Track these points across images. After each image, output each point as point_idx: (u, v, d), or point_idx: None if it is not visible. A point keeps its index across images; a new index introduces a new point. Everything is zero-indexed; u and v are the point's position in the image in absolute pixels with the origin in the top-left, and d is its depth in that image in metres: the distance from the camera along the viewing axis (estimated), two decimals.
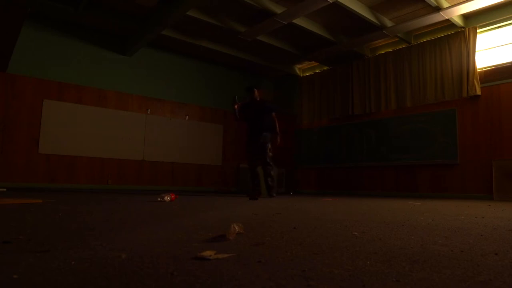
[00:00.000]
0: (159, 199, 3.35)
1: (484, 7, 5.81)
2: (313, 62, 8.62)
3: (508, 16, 5.96)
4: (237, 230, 1.28)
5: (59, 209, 2.22)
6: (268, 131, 5.14)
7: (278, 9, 6.09)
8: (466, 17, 6.37)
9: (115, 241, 1.13)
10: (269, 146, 5.09)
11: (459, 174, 6.33)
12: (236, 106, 5.17)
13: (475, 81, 6.17)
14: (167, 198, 3.36)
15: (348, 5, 5.74)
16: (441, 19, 6.03)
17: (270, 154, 5.10)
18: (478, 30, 6.32)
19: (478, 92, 6.16)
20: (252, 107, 5.23)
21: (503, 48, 6.16)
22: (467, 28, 6.33)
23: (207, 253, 0.91)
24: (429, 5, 5.77)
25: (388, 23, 6.47)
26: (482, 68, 6.29)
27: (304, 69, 9.27)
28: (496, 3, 5.67)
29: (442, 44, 6.63)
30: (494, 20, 6.12)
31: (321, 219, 2.01)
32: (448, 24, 6.48)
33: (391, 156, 7.23)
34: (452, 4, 5.77)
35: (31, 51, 6.50)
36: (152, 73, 7.87)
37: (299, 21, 6.43)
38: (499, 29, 6.23)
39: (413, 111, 7.02)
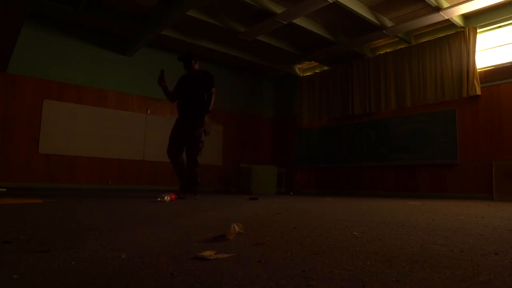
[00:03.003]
0: (159, 199, 3.35)
1: (484, 7, 5.81)
2: (313, 62, 8.62)
3: (508, 16, 5.96)
4: (237, 230, 1.28)
5: (59, 209, 2.22)
6: (205, 112, 4.12)
7: (278, 9, 6.09)
8: (466, 17, 6.37)
9: (115, 241, 1.13)
10: (203, 138, 4.09)
11: (459, 174, 6.33)
12: (163, 84, 4.18)
13: (475, 81, 6.17)
14: (167, 198, 3.35)
15: (348, 5, 5.74)
16: (441, 19, 6.03)
17: (201, 147, 4.07)
18: (478, 30, 6.32)
19: (478, 92, 6.16)
20: (187, 82, 4.21)
21: (503, 48, 6.16)
22: (467, 28, 6.33)
23: (207, 253, 0.91)
24: (429, 5, 5.77)
25: (388, 23, 6.47)
26: (482, 68, 6.29)
27: (304, 69, 9.27)
28: (496, 3, 5.67)
29: (442, 44, 6.63)
30: (494, 20, 6.12)
31: (321, 219, 2.01)
32: (448, 24, 6.48)
33: (391, 156, 7.23)
34: (452, 4, 5.77)
35: (31, 51, 6.49)
36: (152, 73, 7.86)
37: (299, 21, 6.43)
38: (499, 29, 6.23)
39: (413, 111, 7.03)
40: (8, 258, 0.85)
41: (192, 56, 4.26)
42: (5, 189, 4.91)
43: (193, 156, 4.02)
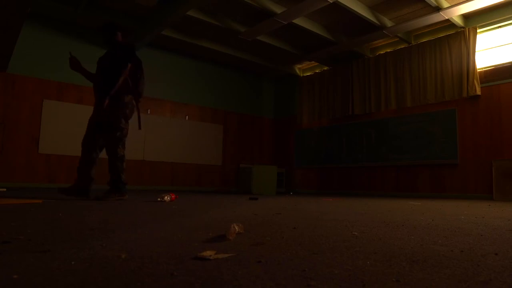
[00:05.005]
0: (159, 199, 3.34)
1: (484, 7, 5.81)
2: (313, 62, 8.62)
3: (508, 16, 5.96)
4: (237, 230, 1.28)
5: (59, 209, 2.22)
6: (127, 94, 3.38)
7: (278, 9, 6.09)
8: (466, 17, 6.37)
9: (115, 241, 1.13)
10: (123, 125, 3.39)
11: (459, 174, 6.33)
12: (78, 67, 3.37)
13: (475, 81, 6.17)
14: (167, 198, 3.35)
15: (348, 5, 5.74)
16: (441, 19, 6.03)
17: (119, 135, 3.36)
18: (478, 30, 6.32)
19: (478, 92, 6.16)
20: (104, 60, 3.42)
21: (503, 48, 6.16)
22: (467, 28, 6.33)
23: (207, 253, 0.91)
24: (429, 5, 5.77)
25: (388, 23, 6.47)
26: (482, 68, 6.29)
27: (304, 69, 9.27)
28: (496, 3, 5.68)
29: (442, 44, 6.63)
30: (494, 20, 6.12)
31: (321, 219, 2.01)
32: (448, 24, 6.49)
33: (391, 156, 7.23)
34: (452, 4, 5.77)
35: (31, 51, 6.50)
36: (152, 73, 7.87)
37: (299, 21, 6.43)
38: (499, 29, 6.23)
39: (413, 111, 7.03)
40: (8, 258, 0.85)
41: (113, 28, 3.41)
42: (5, 189, 4.91)
43: (111, 148, 3.33)
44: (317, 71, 8.90)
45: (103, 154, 3.40)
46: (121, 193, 3.35)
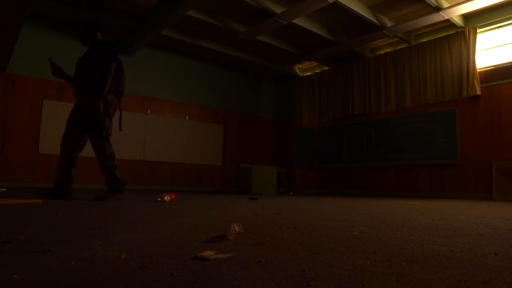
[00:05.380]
0: (159, 199, 3.34)
1: (484, 7, 5.82)
2: (313, 62, 8.62)
3: (508, 16, 5.96)
4: (237, 230, 1.28)
5: (59, 209, 2.22)
6: (109, 94, 3.31)
7: (278, 9, 6.09)
8: (466, 17, 6.37)
9: (115, 241, 1.13)
10: (108, 123, 3.34)
11: (459, 174, 6.33)
12: (60, 74, 3.30)
13: (475, 81, 6.17)
14: (167, 198, 3.35)
15: (348, 5, 5.74)
16: (441, 19, 6.03)
17: (105, 134, 3.32)
18: (478, 30, 6.32)
19: (478, 92, 6.16)
20: (84, 59, 3.32)
21: (503, 48, 6.16)
22: (467, 28, 6.33)
23: (207, 253, 0.91)
24: (429, 5, 5.77)
25: (388, 23, 6.47)
26: (482, 68, 6.29)
27: (304, 69, 9.27)
28: (496, 3, 5.68)
29: (442, 44, 6.64)
30: (494, 20, 6.12)
31: (321, 219, 2.01)
32: (448, 24, 6.49)
33: (391, 156, 7.23)
34: (452, 4, 5.77)
35: (31, 51, 6.50)
36: (152, 73, 7.87)
37: (299, 21, 6.43)
38: (499, 29, 6.23)
39: (413, 111, 7.03)
40: (8, 258, 0.85)
41: (95, 28, 3.34)
42: (5, 189, 4.91)
43: (99, 147, 3.28)
44: (317, 71, 8.90)
45: (87, 153, 3.35)
46: (120, 191, 3.29)
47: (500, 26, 6.21)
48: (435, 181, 6.62)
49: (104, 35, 3.46)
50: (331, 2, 5.50)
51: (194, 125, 8.36)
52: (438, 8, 5.78)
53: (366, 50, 7.82)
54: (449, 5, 5.76)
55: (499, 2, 5.65)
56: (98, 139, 3.28)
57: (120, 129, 3.48)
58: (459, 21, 6.27)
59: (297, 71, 9.24)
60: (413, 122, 6.99)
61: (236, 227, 1.27)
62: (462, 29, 6.39)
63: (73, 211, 2.15)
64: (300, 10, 5.84)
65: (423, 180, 6.78)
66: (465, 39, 6.35)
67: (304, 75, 9.21)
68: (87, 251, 0.95)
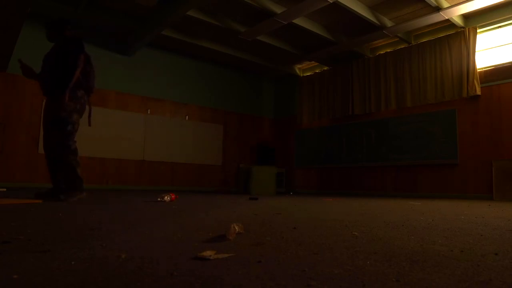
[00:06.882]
0: (159, 199, 3.34)
1: (484, 7, 5.81)
2: (313, 62, 8.62)
3: (508, 16, 5.96)
4: (237, 230, 1.28)
5: (59, 209, 2.22)
6: (79, 89, 3.23)
7: (278, 9, 6.09)
8: (466, 17, 6.37)
9: (115, 241, 1.13)
10: (75, 118, 3.17)
11: (459, 174, 6.33)
12: (31, 74, 3.45)
13: (475, 81, 6.17)
14: (167, 198, 3.35)
15: (348, 5, 5.74)
16: (441, 19, 6.03)
17: (71, 129, 3.14)
18: (478, 30, 6.32)
19: (478, 92, 6.16)
20: (50, 55, 3.38)
21: (503, 48, 6.16)
22: (467, 28, 6.33)
23: (207, 253, 0.91)
24: (429, 5, 5.77)
25: (388, 23, 6.47)
26: (482, 68, 6.29)
27: (304, 69, 9.27)
28: (496, 3, 5.67)
29: (442, 44, 6.63)
30: (494, 20, 6.12)
31: (321, 219, 2.01)
32: (448, 24, 6.48)
33: (391, 156, 7.23)
34: (452, 4, 5.77)
35: (31, 51, 6.49)
36: (152, 73, 7.87)
37: (299, 21, 6.43)
38: (499, 29, 6.23)
39: (413, 111, 7.03)
40: (8, 258, 0.85)
41: (62, 25, 3.33)
42: (5, 189, 4.91)
43: (62, 142, 3.09)
44: (317, 71, 8.90)
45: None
46: (79, 190, 3.16)
47: (500, 26, 6.21)
48: (435, 181, 6.62)
49: (71, 31, 3.40)
50: (331, 2, 5.50)
51: (194, 125, 8.36)
52: (438, 8, 5.78)
53: (366, 50, 7.81)
54: (449, 5, 5.76)
55: (499, 2, 5.65)
56: (63, 133, 3.11)
57: (89, 125, 3.35)
58: (459, 21, 6.27)
59: (297, 71, 9.24)
60: (413, 122, 6.99)
61: (236, 227, 1.27)
62: (462, 29, 6.39)
63: (73, 211, 2.15)
64: (300, 10, 5.84)
65: (423, 180, 6.78)
66: (465, 39, 6.35)
67: (304, 75, 9.21)
68: (87, 251, 0.95)
